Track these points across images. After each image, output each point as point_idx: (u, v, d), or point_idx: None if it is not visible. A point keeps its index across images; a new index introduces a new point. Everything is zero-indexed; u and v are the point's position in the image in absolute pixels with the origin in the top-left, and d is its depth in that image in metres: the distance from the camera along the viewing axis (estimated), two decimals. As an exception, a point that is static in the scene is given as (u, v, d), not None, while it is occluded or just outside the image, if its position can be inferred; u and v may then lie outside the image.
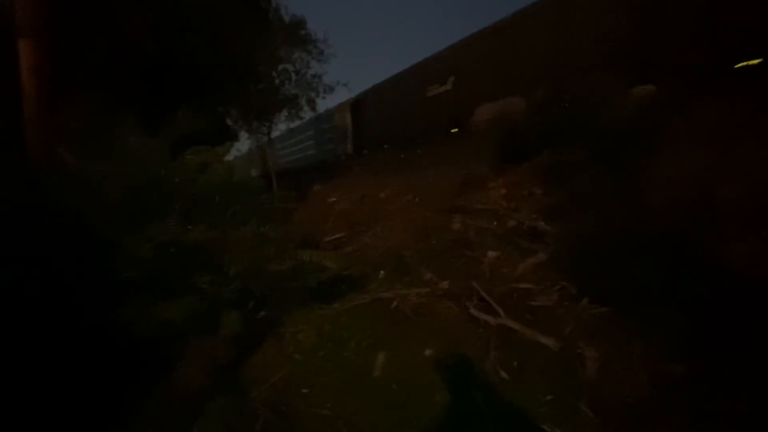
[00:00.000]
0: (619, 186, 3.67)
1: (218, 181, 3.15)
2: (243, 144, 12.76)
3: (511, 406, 2.17)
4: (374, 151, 11.98)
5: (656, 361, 2.20)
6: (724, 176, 3.35)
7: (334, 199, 8.87)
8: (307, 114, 9.87)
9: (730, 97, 4.17)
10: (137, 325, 2.26)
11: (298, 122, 10.24)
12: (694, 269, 2.66)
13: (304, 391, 2.51)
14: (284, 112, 9.50)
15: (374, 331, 3.10)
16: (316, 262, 3.42)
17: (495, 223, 4.59)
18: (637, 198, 3.57)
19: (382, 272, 4.43)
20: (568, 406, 2.10)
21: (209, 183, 3.09)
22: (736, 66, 4.63)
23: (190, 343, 2.67)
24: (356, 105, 13.46)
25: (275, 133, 11.53)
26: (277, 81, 8.67)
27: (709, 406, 1.88)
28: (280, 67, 8.92)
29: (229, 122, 8.88)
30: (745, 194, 3.15)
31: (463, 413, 2.17)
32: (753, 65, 4.36)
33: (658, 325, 2.41)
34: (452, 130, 9.14)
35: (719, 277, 2.57)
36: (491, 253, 4.00)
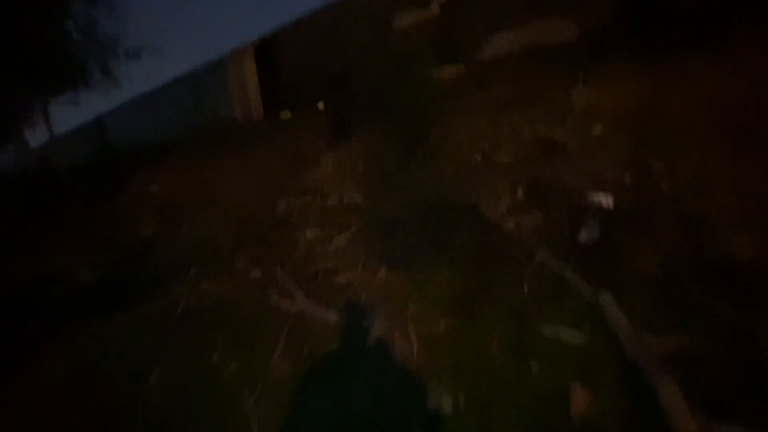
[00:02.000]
0: (418, 158, 3.88)
1: None
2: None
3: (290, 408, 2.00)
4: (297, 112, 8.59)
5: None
6: (500, 142, 3.81)
7: (156, 187, 7.56)
8: (102, 85, 7.92)
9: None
10: None
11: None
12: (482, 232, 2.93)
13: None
14: (65, 84, 7.41)
15: (156, 342, 2.59)
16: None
17: (318, 200, 4.43)
18: (434, 166, 3.81)
19: (192, 270, 3.86)
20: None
21: None
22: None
23: None
24: (264, 50, 9.21)
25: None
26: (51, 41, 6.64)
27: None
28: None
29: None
30: (514, 159, 3.63)
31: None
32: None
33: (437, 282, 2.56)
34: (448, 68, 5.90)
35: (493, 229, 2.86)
36: (309, 233, 3.82)
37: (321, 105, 7.60)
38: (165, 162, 8.70)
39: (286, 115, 8.21)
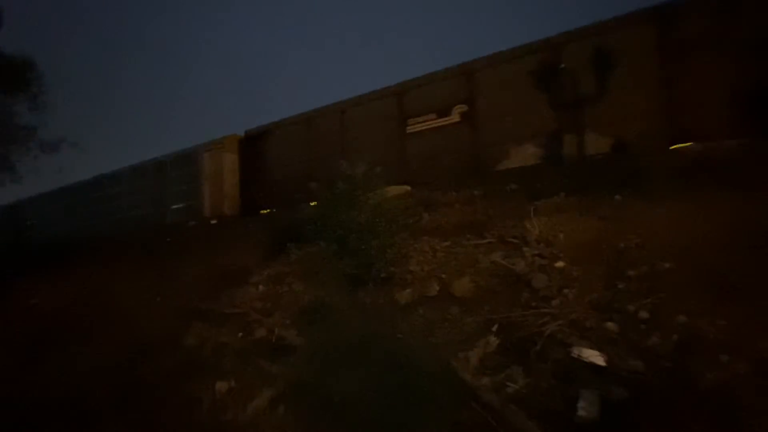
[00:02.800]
0: (366, 283, 3.33)
1: None
2: None
3: None
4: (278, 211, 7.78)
5: None
6: (457, 270, 3.41)
7: (35, 301, 6.03)
8: (6, 176, 6.88)
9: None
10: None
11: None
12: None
13: None
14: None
15: None
16: None
17: (240, 333, 3.54)
18: (386, 295, 3.25)
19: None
20: None
21: None
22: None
23: None
24: (252, 142, 8.76)
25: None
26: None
27: None
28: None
29: None
30: (475, 293, 3.20)
31: None
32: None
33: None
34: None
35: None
36: (219, 385, 2.86)
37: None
38: (61, 267, 7.21)
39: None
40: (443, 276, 3.45)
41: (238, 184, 8.97)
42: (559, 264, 3.13)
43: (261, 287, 4.29)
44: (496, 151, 6.05)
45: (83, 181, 11.37)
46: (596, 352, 2.13)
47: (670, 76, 4.86)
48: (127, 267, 6.49)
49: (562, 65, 5.52)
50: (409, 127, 6.88)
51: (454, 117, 6.47)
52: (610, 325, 2.34)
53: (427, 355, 2.46)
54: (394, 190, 5.41)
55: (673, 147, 4.74)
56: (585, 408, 1.89)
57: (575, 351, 2.20)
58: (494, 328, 2.62)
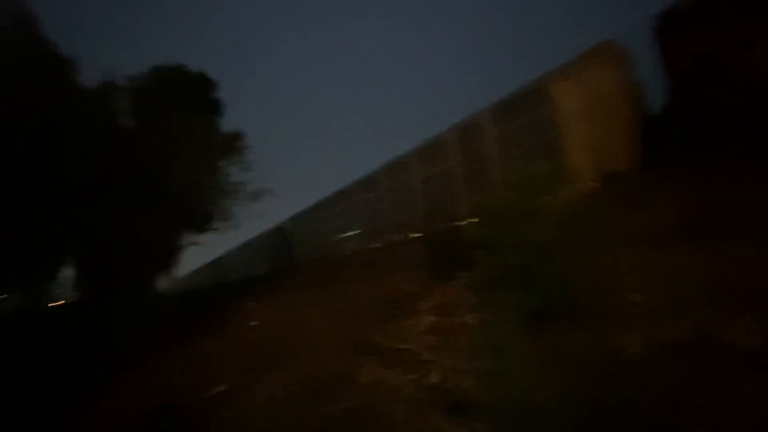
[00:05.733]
0: (555, 316, 2.39)
1: None
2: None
3: None
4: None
5: None
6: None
7: (254, 323, 7.19)
8: (222, 226, 8.70)
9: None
10: None
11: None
12: None
13: None
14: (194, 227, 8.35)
15: None
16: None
17: (413, 376, 3.11)
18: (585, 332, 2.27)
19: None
20: None
21: None
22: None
23: None
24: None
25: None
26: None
27: None
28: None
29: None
30: None
31: None
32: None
33: None
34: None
35: None
36: (395, 442, 2.44)
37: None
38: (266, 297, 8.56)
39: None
40: (694, 310, 2.23)
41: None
42: None
43: (430, 318, 3.84)
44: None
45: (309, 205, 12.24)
46: None
47: None
48: (312, 292, 7.18)
49: None
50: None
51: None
52: None
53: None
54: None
55: None
56: None
57: None
58: None
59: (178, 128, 7.54)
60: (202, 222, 8.58)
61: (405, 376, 3.16)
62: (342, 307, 5.57)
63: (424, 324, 3.83)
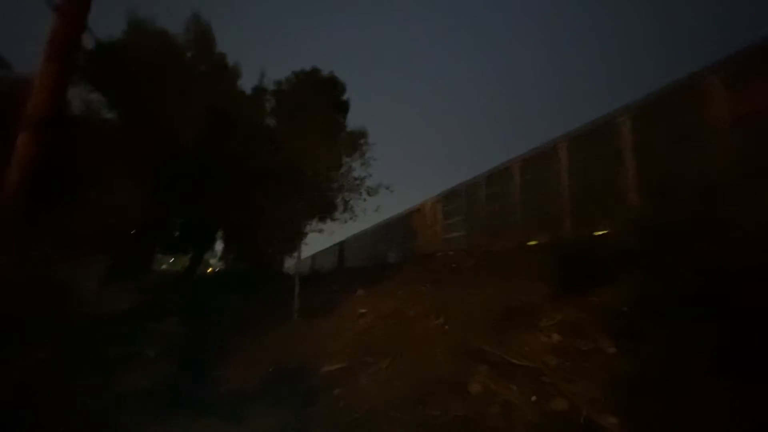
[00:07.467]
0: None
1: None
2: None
3: None
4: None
5: None
6: None
7: (363, 310, 7.54)
8: (342, 216, 9.36)
9: None
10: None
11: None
12: None
13: None
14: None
15: None
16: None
17: (534, 397, 2.80)
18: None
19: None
20: None
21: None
22: None
23: None
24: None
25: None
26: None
27: None
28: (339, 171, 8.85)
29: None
30: None
31: None
32: None
33: None
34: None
35: None
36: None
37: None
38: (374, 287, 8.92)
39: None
40: None
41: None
42: None
43: (554, 336, 3.42)
44: None
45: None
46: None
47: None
48: (418, 289, 7.18)
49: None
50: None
51: None
52: None
53: None
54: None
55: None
56: None
57: None
58: None
59: (313, 127, 8.35)
60: (326, 211, 9.41)
61: (523, 395, 2.87)
62: (451, 309, 5.40)
63: (547, 342, 3.43)
